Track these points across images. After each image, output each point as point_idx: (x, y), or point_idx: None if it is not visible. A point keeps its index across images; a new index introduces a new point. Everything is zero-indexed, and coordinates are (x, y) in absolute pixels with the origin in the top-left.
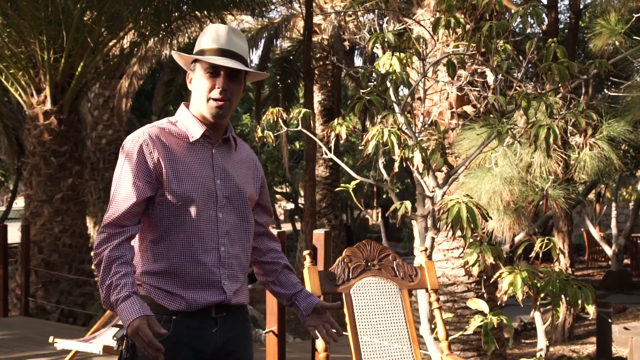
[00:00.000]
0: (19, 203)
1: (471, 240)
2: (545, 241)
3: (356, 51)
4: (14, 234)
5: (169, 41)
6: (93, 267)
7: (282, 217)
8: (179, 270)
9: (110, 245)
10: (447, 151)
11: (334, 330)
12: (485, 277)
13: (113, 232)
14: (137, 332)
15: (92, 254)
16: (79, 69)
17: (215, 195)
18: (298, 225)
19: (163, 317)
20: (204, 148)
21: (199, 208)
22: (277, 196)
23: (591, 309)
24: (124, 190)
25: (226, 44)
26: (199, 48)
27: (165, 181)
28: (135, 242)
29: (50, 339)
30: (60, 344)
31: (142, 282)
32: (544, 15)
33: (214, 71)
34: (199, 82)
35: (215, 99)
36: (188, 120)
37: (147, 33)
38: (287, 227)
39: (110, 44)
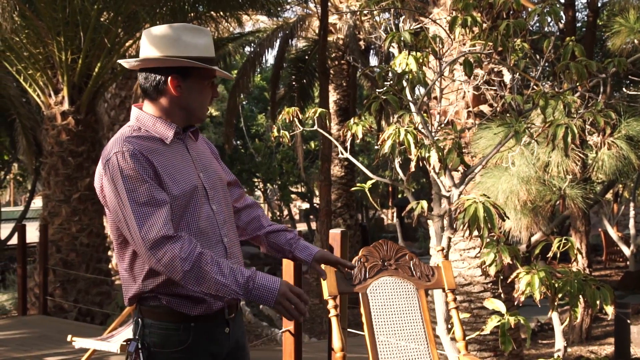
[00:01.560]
0: (37, 203)
1: (488, 240)
2: (563, 241)
3: (372, 50)
4: (32, 233)
5: None
6: (110, 266)
7: (297, 217)
8: None
9: (188, 244)
10: (463, 151)
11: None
12: (502, 277)
13: (174, 234)
14: (288, 289)
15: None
16: (96, 69)
17: (204, 189)
18: (313, 225)
19: (181, 325)
20: (178, 146)
21: (196, 206)
22: (293, 196)
23: (610, 310)
24: (149, 208)
25: (213, 52)
26: (188, 54)
27: (164, 187)
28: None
29: (68, 338)
30: (78, 342)
31: (158, 292)
32: (561, 13)
33: (211, 79)
34: (199, 90)
35: (208, 106)
36: (153, 124)
37: None
38: (302, 226)
39: (127, 44)
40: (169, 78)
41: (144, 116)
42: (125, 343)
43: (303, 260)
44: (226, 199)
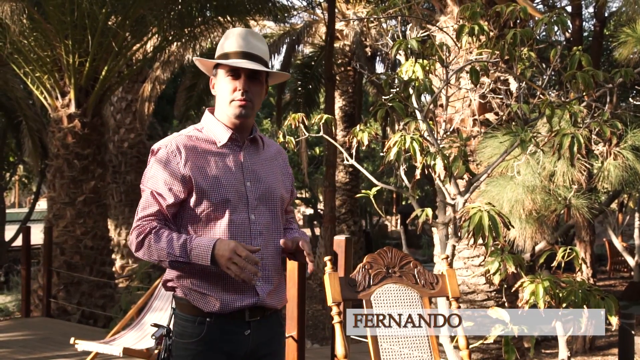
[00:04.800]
0: (42, 205)
1: (492, 248)
2: (568, 251)
3: (378, 57)
4: (36, 235)
5: (191, 46)
6: (114, 269)
7: (301, 222)
8: (213, 272)
9: (142, 231)
10: (469, 159)
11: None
12: (506, 286)
13: (144, 222)
14: (234, 250)
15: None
16: (103, 72)
17: (246, 198)
18: (317, 231)
19: (197, 319)
20: (232, 151)
21: (230, 211)
22: (297, 201)
23: (614, 320)
24: (144, 201)
25: (245, 47)
26: (220, 52)
27: (195, 188)
28: None
29: (71, 340)
30: (81, 345)
31: (179, 284)
32: (568, 22)
33: (234, 74)
34: (221, 86)
35: (237, 100)
36: (214, 126)
37: (170, 38)
38: (306, 232)
39: (134, 48)
40: (210, 79)
41: (210, 118)
42: (154, 326)
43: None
44: (272, 212)
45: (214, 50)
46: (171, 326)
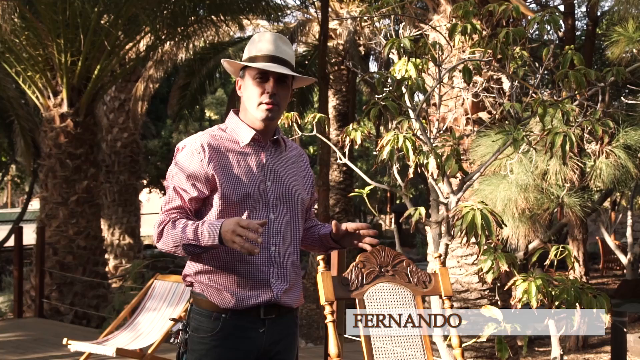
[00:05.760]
0: (34, 205)
1: (485, 247)
2: (560, 249)
3: (371, 56)
4: (29, 235)
5: (184, 45)
6: (107, 269)
7: None
8: (230, 268)
9: (162, 222)
10: (462, 157)
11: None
12: (499, 285)
13: (166, 215)
14: (237, 223)
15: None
16: (96, 72)
17: (266, 197)
18: None
19: (213, 314)
20: (255, 151)
21: (250, 209)
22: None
23: (606, 318)
24: (167, 196)
25: (274, 51)
26: (248, 55)
27: (218, 185)
28: None
29: (64, 341)
30: (74, 345)
31: (196, 280)
32: (560, 22)
33: (263, 77)
34: (249, 88)
35: (265, 103)
36: (237, 126)
37: (163, 36)
38: None
39: (127, 47)
40: (237, 80)
41: (233, 118)
42: (171, 320)
43: (329, 238)
44: (292, 212)
45: (207, 50)
46: (187, 320)
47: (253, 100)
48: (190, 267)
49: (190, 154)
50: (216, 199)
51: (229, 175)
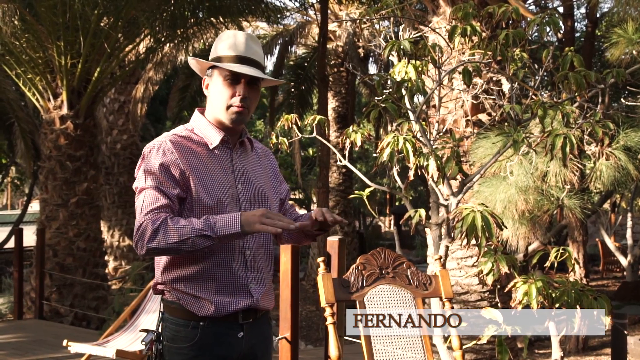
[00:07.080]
0: (34, 207)
1: (485, 249)
2: (560, 251)
3: (371, 58)
4: (29, 237)
5: (184, 47)
6: (107, 271)
7: None
8: (207, 275)
9: (156, 219)
10: (461, 159)
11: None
12: (499, 286)
13: (154, 214)
14: (265, 215)
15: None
16: (96, 74)
17: (238, 200)
18: None
19: (191, 323)
20: (224, 153)
21: (223, 213)
22: (290, 202)
23: (607, 320)
24: (150, 196)
25: (245, 51)
26: (216, 54)
27: (192, 189)
28: None
29: (64, 342)
30: (74, 347)
31: (172, 288)
32: (560, 23)
33: (234, 78)
34: (218, 89)
35: (236, 106)
36: (205, 127)
37: (162, 39)
38: None
39: (127, 49)
40: (203, 79)
41: (200, 119)
42: (142, 332)
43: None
44: None
45: (206, 52)
46: (160, 330)
47: (222, 101)
48: (164, 275)
49: (163, 153)
50: (189, 203)
51: (201, 179)
